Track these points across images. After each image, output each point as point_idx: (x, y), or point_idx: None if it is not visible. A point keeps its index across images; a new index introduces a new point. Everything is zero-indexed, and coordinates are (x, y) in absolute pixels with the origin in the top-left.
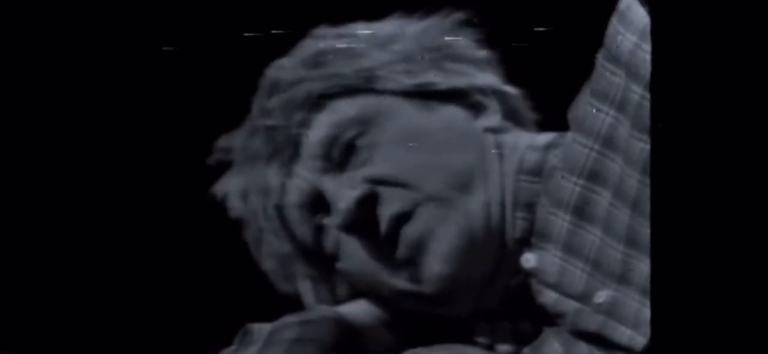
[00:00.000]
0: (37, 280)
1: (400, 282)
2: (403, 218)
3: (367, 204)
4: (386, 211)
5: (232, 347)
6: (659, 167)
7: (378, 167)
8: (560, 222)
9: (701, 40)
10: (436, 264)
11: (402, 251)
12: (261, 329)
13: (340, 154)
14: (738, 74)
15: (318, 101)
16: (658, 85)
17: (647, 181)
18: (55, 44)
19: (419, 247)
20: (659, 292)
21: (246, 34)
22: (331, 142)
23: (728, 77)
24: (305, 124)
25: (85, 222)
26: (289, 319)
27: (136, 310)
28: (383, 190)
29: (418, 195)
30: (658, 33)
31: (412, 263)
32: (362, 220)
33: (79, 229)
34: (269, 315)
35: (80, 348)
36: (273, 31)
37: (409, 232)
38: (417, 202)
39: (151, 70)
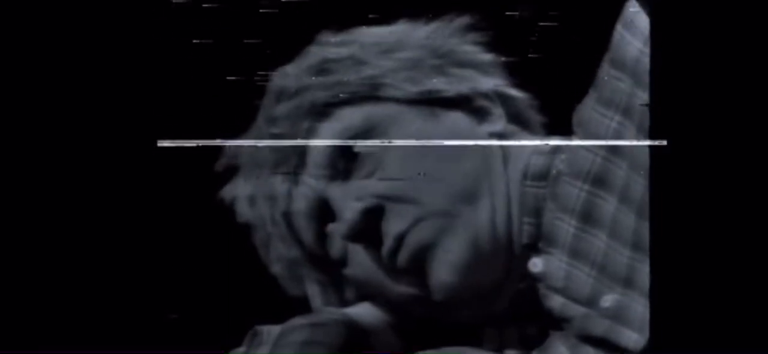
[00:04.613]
0: (49, 281)
1: (406, 289)
2: (408, 228)
3: (373, 215)
4: (392, 222)
5: (242, 348)
6: (659, 170)
7: (383, 179)
8: (566, 227)
9: (701, 45)
10: (443, 274)
11: (408, 261)
12: (270, 331)
13: (346, 163)
14: (736, 79)
15: (323, 109)
16: (657, 89)
17: None
18: (64, 46)
19: (426, 257)
20: (658, 294)
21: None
22: (336, 150)
23: (727, 82)
24: (311, 132)
25: (97, 224)
26: (298, 321)
27: (147, 312)
28: (389, 201)
29: (423, 205)
30: (658, 38)
31: (418, 272)
32: (367, 230)
33: (91, 231)
34: (278, 317)
35: (90, 349)
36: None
37: (415, 241)
38: (423, 213)
39: (164, 76)
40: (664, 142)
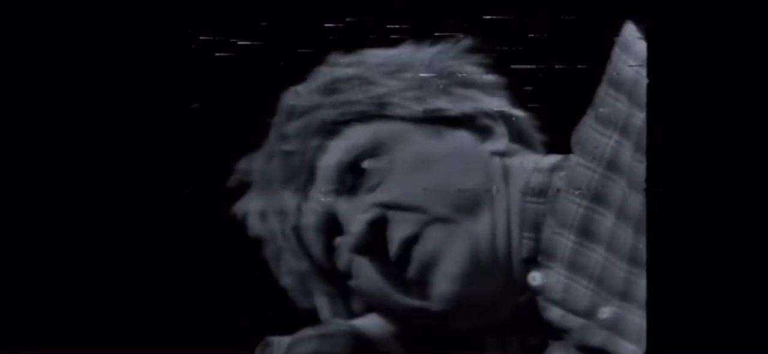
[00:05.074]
0: (66, 297)
1: (410, 300)
2: (412, 240)
3: (378, 227)
4: (396, 234)
5: None
6: (654, 184)
7: (388, 192)
8: (565, 241)
9: (695, 60)
10: (444, 284)
11: (412, 271)
12: (281, 342)
13: (353, 179)
14: (731, 97)
15: (332, 127)
16: (653, 107)
17: None
18: (88, 65)
19: (428, 268)
20: (654, 303)
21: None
22: (344, 167)
23: (722, 99)
24: (320, 149)
25: (111, 238)
26: (307, 332)
27: (159, 324)
28: (393, 214)
29: (427, 218)
30: (654, 55)
31: (421, 283)
32: (373, 242)
33: (104, 244)
34: (289, 328)
35: (98, 350)
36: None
37: (419, 253)
38: (426, 225)
39: (183, 95)
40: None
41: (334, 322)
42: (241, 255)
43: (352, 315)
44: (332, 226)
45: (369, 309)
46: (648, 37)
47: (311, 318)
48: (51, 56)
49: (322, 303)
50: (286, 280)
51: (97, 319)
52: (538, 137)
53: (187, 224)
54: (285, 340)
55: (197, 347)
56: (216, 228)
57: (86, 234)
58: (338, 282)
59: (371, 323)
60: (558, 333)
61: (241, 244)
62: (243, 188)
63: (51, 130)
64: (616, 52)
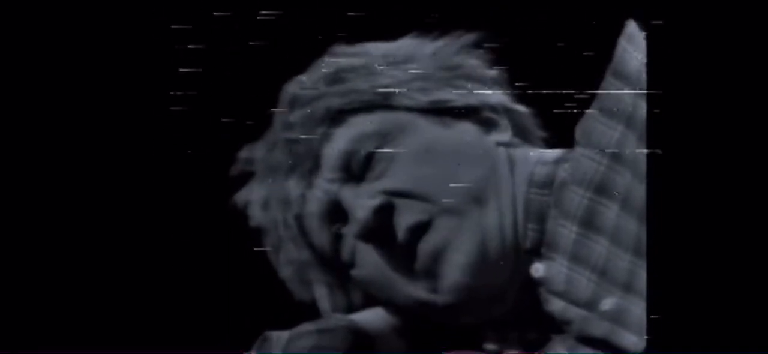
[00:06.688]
0: (66, 297)
1: (416, 291)
2: (420, 229)
3: (384, 214)
4: (403, 222)
5: (252, 353)
6: (656, 175)
7: (395, 179)
8: (568, 233)
9: (698, 52)
10: (453, 274)
11: (419, 262)
12: (279, 336)
13: (359, 167)
14: (731, 89)
15: (337, 116)
16: (655, 98)
17: None
18: (87, 61)
19: (436, 258)
20: (655, 296)
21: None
22: (350, 154)
23: (722, 92)
24: (325, 137)
25: (110, 231)
26: (306, 327)
27: (156, 317)
28: (400, 202)
29: (434, 207)
30: (655, 47)
31: (429, 274)
32: (379, 229)
33: (104, 239)
34: (288, 322)
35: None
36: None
37: (427, 242)
38: (433, 214)
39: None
40: (659, 151)
41: (334, 317)
42: (240, 251)
43: (351, 306)
44: (336, 214)
45: (368, 301)
46: (648, 34)
47: (310, 313)
48: (49, 54)
49: (321, 294)
50: (286, 271)
51: (97, 318)
52: (538, 133)
53: (185, 221)
54: (284, 335)
55: (197, 346)
56: (215, 224)
57: (86, 233)
58: (339, 272)
59: (371, 317)
60: (559, 326)
61: (240, 239)
62: (243, 179)
63: (48, 128)
64: (622, 44)
